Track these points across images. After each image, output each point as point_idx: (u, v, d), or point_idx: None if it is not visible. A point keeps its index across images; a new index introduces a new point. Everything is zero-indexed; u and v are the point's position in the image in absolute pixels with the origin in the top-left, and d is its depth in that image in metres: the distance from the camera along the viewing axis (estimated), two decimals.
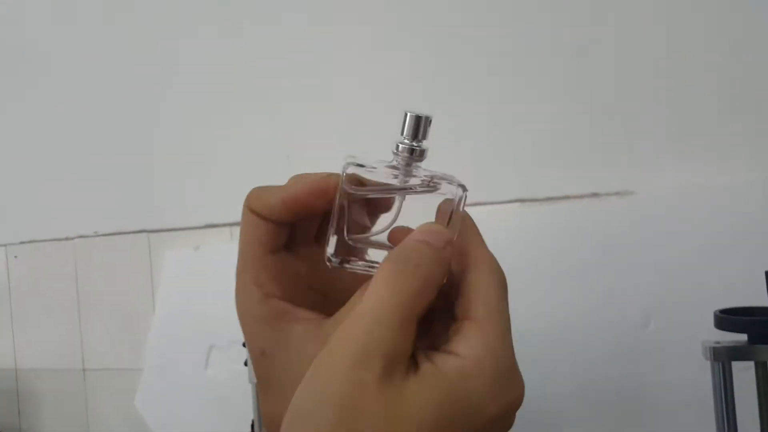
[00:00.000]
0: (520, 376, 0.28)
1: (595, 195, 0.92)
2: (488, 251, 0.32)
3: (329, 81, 1.06)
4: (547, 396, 0.94)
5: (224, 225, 1.12)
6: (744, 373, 0.68)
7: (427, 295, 0.27)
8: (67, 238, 1.25)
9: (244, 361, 0.76)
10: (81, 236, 1.23)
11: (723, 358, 0.65)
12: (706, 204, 0.87)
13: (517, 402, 0.27)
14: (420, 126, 0.32)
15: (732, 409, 0.66)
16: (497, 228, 0.97)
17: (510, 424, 0.27)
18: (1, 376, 1.32)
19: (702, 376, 0.70)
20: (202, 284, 1.13)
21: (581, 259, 0.93)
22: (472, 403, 0.25)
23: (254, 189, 0.35)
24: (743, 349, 0.64)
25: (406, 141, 0.32)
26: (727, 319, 0.64)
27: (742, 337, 0.65)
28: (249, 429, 0.83)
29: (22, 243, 1.30)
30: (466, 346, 0.26)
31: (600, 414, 0.91)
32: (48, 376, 1.28)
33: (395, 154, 0.33)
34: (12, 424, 1.32)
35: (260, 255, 0.33)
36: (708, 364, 0.68)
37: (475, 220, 1.06)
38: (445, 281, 0.29)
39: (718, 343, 0.66)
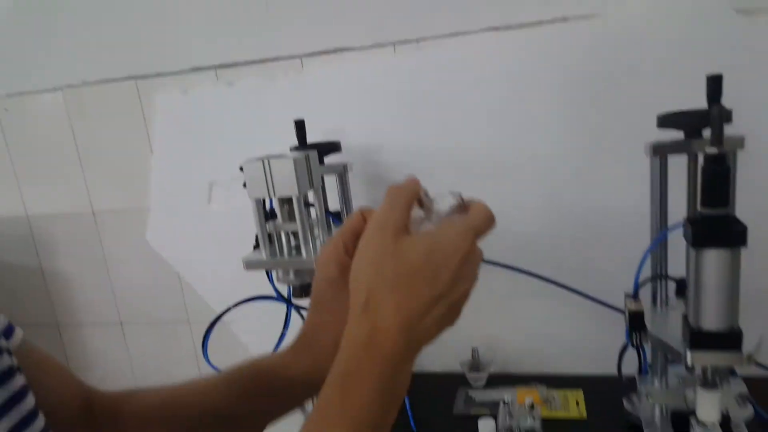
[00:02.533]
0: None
1: (564, 19, 0.96)
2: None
3: None
4: (519, 215, 1.06)
5: (210, 68, 1.16)
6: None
7: (410, 202, 0.44)
8: (55, 89, 1.27)
9: (242, 183, 0.85)
10: (69, 86, 1.26)
11: (662, 152, 0.76)
12: (665, 26, 0.92)
13: (469, 248, 0.43)
14: None
15: (665, 195, 0.78)
16: (473, 57, 1.03)
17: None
18: (14, 223, 1.41)
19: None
20: (195, 126, 1.20)
21: (551, 84, 1.00)
22: (448, 244, 0.41)
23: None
24: (679, 144, 0.74)
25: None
26: (666, 117, 0.73)
27: (680, 135, 0.75)
28: (253, 243, 0.95)
29: (9, 96, 1.32)
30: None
31: (562, 214, 1.05)
32: (59, 221, 1.38)
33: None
34: (33, 266, 1.45)
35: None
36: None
37: (450, 49, 1.11)
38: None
39: (659, 141, 0.76)
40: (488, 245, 1.18)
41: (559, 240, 1.06)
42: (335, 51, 1.09)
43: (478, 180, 1.07)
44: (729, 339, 0.68)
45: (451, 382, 1.13)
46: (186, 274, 1.31)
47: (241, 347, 1.31)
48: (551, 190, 1.04)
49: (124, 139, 1.26)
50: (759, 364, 0.94)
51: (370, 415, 0.38)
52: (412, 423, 1.02)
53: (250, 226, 0.91)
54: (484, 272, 1.16)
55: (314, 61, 1.10)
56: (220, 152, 1.16)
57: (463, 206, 0.46)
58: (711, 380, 0.73)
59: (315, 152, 0.88)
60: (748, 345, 0.69)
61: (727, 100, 0.71)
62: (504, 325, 1.14)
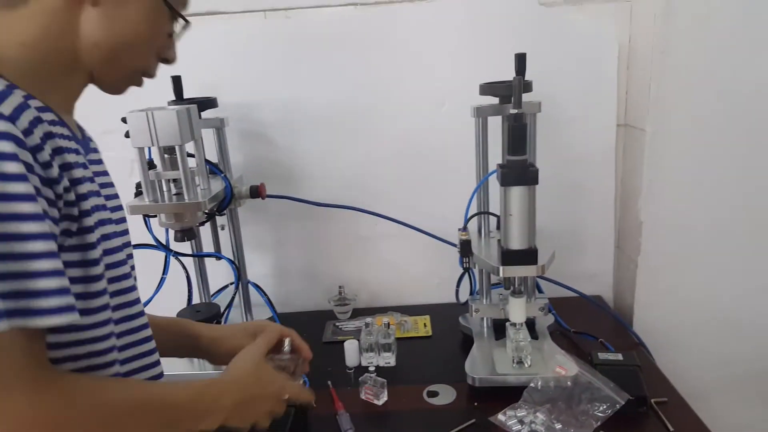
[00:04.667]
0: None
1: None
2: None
3: None
4: (378, 167, 1.23)
5: None
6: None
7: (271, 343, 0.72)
8: None
9: (125, 133, 0.91)
10: None
11: (482, 114, 0.96)
12: (484, 15, 1.13)
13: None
14: None
15: (486, 148, 0.99)
16: (334, 27, 1.16)
17: None
18: None
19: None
20: None
21: (403, 51, 1.17)
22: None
23: None
24: (495, 107, 0.94)
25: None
26: (485, 86, 0.93)
27: (496, 101, 0.96)
28: (134, 192, 1.01)
29: None
30: None
31: (411, 167, 1.24)
32: None
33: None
34: None
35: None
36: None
37: (314, 19, 1.25)
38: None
39: (480, 105, 0.96)
40: (353, 193, 1.35)
41: (409, 189, 1.25)
42: (207, 14, 1.16)
43: (342, 135, 1.22)
44: (528, 255, 0.90)
45: (321, 317, 1.29)
46: None
47: None
48: (403, 146, 1.22)
49: None
50: (556, 281, 1.21)
51: (190, 404, 0.58)
52: None
53: (119, 180, 0.97)
54: (350, 218, 1.32)
55: None
56: (95, 105, 1.18)
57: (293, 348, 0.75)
58: (518, 289, 0.96)
59: (195, 106, 0.96)
60: (542, 259, 0.92)
61: (532, 74, 0.92)
62: (366, 265, 1.32)
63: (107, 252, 0.56)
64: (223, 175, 1.06)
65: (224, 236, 1.15)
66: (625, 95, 1.17)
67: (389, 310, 1.28)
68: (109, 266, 0.56)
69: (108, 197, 0.61)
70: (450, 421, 0.88)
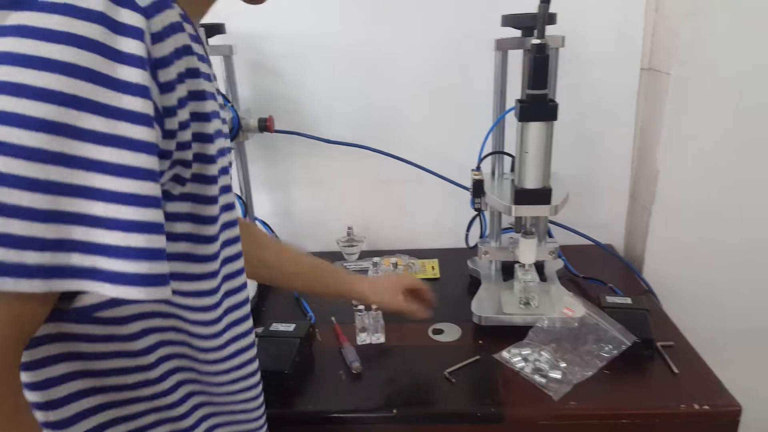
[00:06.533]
0: None
1: None
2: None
3: None
4: (392, 106, 1.20)
5: None
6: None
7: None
8: None
9: None
10: None
11: (503, 47, 0.92)
12: None
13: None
14: None
15: (505, 83, 0.95)
16: None
17: None
18: None
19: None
20: None
21: None
22: None
23: None
24: (518, 40, 0.90)
25: None
26: (507, 17, 0.89)
27: (518, 35, 0.92)
28: None
29: None
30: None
31: (425, 108, 1.20)
32: None
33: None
34: None
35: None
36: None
37: None
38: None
39: (502, 38, 0.92)
40: (363, 134, 1.32)
41: (423, 130, 1.22)
42: None
43: (354, 72, 1.18)
44: (542, 195, 0.88)
45: (328, 258, 1.26)
46: None
47: None
48: (419, 83, 1.19)
49: None
50: (567, 227, 1.19)
51: None
52: (295, 293, 1.15)
53: None
54: (360, 158, 1.30)
55: None
56: None
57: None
58: (529, 230, 0.95)
59: (202, 29, 0.92)
60: (556, 200, 0.89)
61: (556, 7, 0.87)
62: (375, 207, 1.30)
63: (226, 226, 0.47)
64: (230, 104, 1.03)
65: (231, 172, 1.13)
66: (651, 37, 1.12)
67: (397, 253, 1.27)
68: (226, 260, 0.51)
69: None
70: (454, 357, 0.88)
